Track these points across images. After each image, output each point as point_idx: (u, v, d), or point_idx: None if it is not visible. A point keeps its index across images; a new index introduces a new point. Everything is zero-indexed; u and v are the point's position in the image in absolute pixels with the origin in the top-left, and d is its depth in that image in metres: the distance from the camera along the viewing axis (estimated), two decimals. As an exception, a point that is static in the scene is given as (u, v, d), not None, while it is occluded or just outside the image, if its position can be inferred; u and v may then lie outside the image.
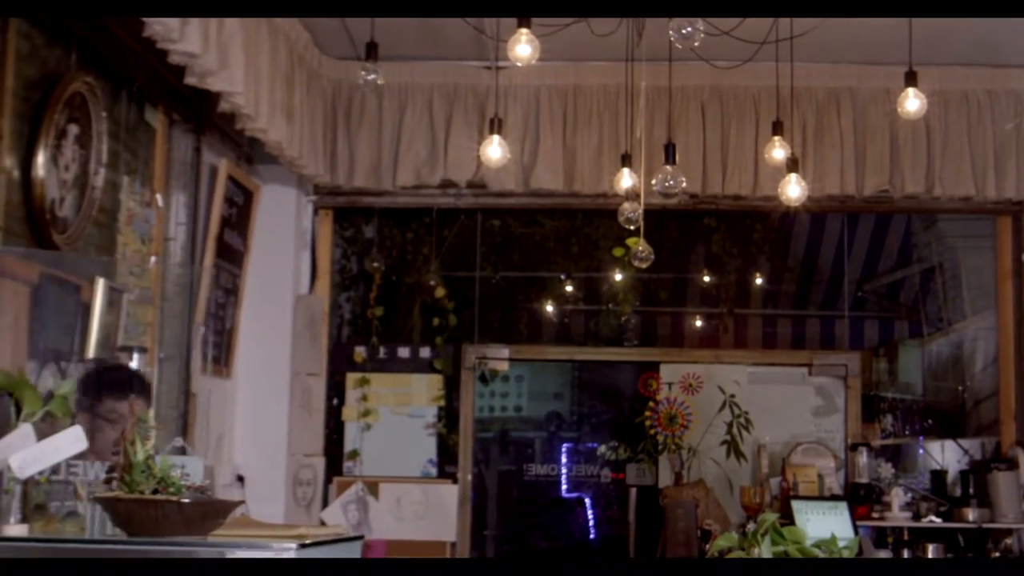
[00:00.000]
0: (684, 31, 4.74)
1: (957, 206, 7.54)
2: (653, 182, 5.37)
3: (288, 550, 2.82)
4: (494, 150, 5.43)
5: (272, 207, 7.23)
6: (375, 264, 8.18)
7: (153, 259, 5.77)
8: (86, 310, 4.81)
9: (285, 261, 7.45)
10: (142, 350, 4.91)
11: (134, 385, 4.29)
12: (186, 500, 2.89)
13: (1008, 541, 7.40)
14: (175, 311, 6.05)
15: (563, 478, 11.96)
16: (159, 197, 5.94)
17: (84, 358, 4.77)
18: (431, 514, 7.85)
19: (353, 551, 3.44)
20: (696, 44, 4.73)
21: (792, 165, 5.62)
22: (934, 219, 9.45)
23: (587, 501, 11.79)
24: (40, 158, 4.58)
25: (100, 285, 4.84)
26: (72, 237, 4.84)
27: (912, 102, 5.26)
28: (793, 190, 5.61)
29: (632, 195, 5.79)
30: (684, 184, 5.35)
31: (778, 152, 5.64)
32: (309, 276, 7.67)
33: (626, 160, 5.94)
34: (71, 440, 3.22)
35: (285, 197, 7.39)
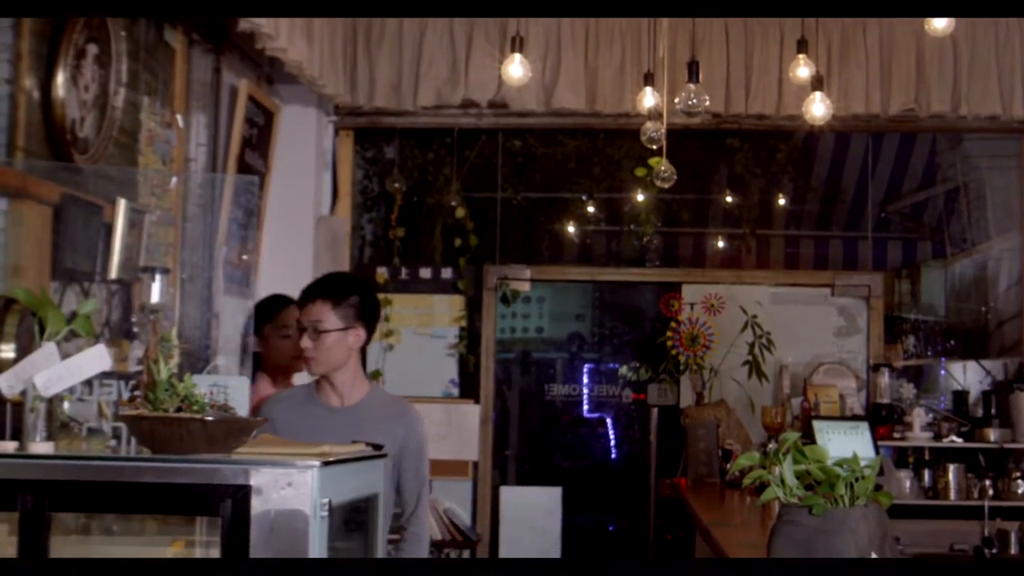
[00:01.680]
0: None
1: (983, 125, 7.46)
2: (676, 100, 5.32)
3: (311, 467, 2.83)
4: (515, 69, 5.39)
5: (292, 128, 7.20)
6: (396, 185, 8.16)
7: (174, 180, 5.76)
8: (108, 231, 4.81)
9: (306, 182, 7.44)
10: (164, 271, 4.90)
11: None
12: (210, 418, 2.90)
13: (1029, 461, 7.43)
14: (197, 232, 6.06)
15: (584, 399, 12.00)
16: (179, 118, 5.92)
17: (107, 278, 4.79)
18: (453, 434, 7.90)
19: (376, 469, 3.46)
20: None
21: (817, 83, 5.56)
22: (959, 138, 9.37)
23: (608, 421, 11.84)
24: (60, 78, 4.56)
25: (122, 206, 4.84)
26: (93, 158, 4.84)
27: (939, 19, 5.19)
28: (817, 109, 5.56)
29: (654, 114, 5.75)
30: (707, 102, 5.30)
31: (802, 70, 5.58)
32: (330, 197, 7.66)
33: (648, 79, 5.89)
34: (95, 359, 3.22)
35: (305, 118, 7.36)
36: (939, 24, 5.18)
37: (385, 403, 4.30)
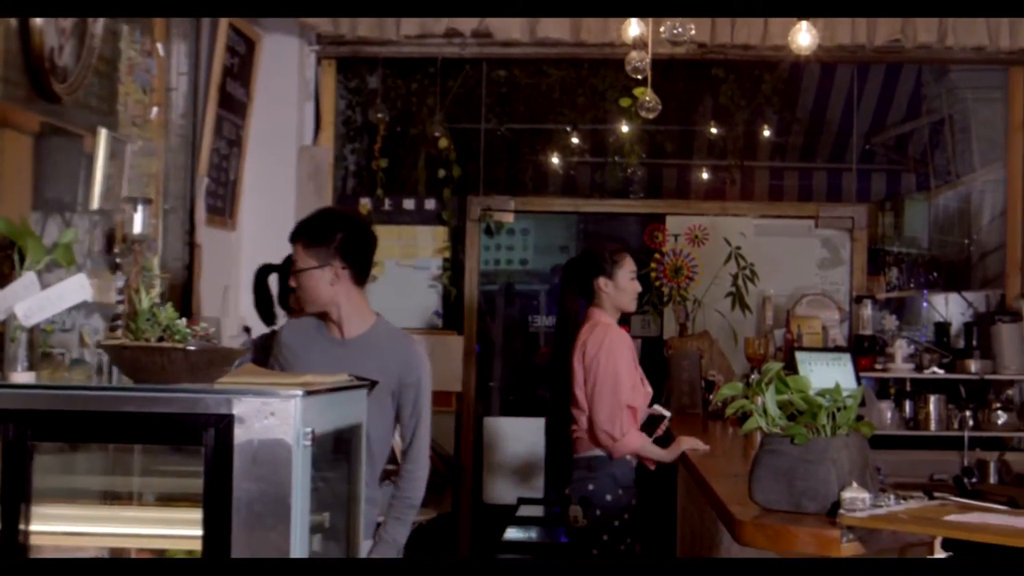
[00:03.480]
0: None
1: (969, 56, 7.42)
2: (661, 30, 5.28)
3: (294, 396, 2.83)
4: (499, -3, 5.33)
5: (274, 57, 7.14)
6: (379, 115, 8.10)
7: (155, 110, 5.71)
8: (89, 161, 4.78)
9: (288, 112, 7.39)
10: (147, 201, 4.88)
11: None
12: (191, 347, 2.89)
13: (1010, 392, 7.48)
14: (178, 162, 6.02)
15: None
16: (160, 46, 5.85)
17: (88, 209, 4.76)
18: (436, 365, 7.82)
19: (359, 399, 3.46)
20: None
21: (802, 13, 5.53)
22: (945, 70, 9.33)
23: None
24: (37, 5, 4.49)
25: (102, 135, 4.79)
26: (72, 87, 4.78)
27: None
28: (803, 39, 5.53)
29: (639, 44, 5.69)
30: (693, 32, 5.27)
31: (788, 0, 5.54)
32: (313, 127, 7.61)
33: (634, 8, 5.84)
34: (75, 288, 3.21)
35: (287, 47, 7.29)
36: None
37: (387, 337, 4.33)
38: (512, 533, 7.09)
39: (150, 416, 2.87)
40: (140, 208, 4.65)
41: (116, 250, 4.67)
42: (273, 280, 5.33)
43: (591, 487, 5.29)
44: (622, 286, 5.44)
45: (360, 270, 4.25)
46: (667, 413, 5.55)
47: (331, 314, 4.24)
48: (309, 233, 4.22)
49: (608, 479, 5.27)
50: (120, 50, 5.37)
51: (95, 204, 4.72)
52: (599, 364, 5.23)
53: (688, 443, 5.31)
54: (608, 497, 5.26)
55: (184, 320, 3.00)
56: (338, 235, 4.18)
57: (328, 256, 4.16)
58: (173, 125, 5.92)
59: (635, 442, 5.23)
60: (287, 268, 4.65)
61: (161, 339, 2.93)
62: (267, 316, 5.35)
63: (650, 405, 5.47)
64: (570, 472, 5.38)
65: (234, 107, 6.66)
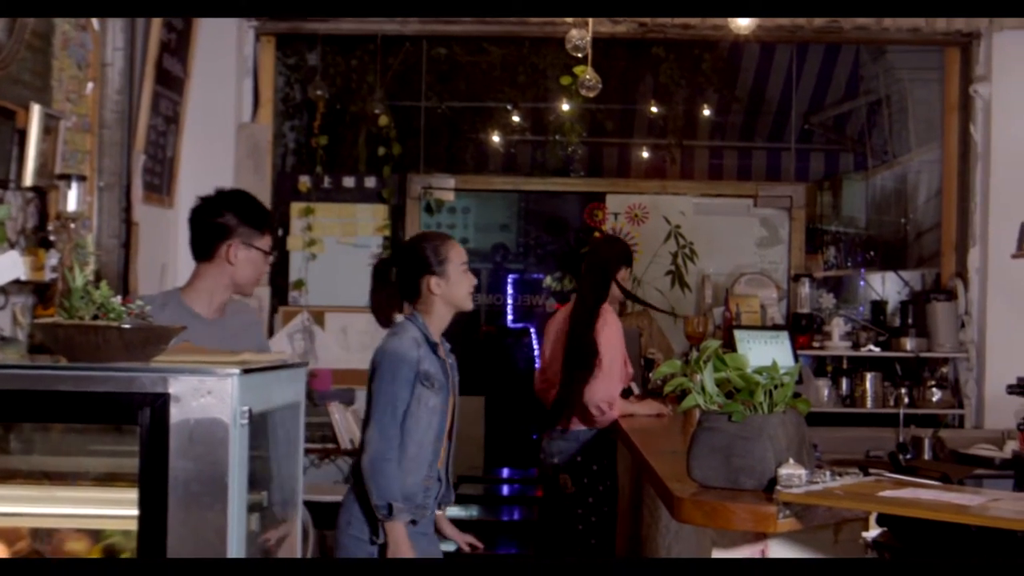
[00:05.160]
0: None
1: (906, 37, 7.48)
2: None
3: (231, 375, 2.81)
4: (439, -26, 5.29)
5: (212, 33, 7.05)
6: (319, 92, 8.05)
7: (90, 85, 5.63)
8: (22, 137, 4.70)
9: (227, 89, 7.32)
10: (81, 178, 4.82)
11: None
12: (127, 326, 2.86)
13: (944, 370, 7.56)
14: (114, 139, 5.94)
15: (509, 308, 12.05)
16: (95, 21, 5.77)
17: (21, 186, 4.69)
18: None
19: (298, 378, 3.44)
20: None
21: (742, -8, 5.54)
22: (883, 50, 9.41)
23: (532, 331, 11.90)
24: (-32, -23, 4.42)
25: (36, 111, 4.72)
26: (4, 61, 4.70)
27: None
28: (743, 19, 5.55)
29: (580, 22, 5.69)
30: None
31: (728, -21, 5.55)
32: (252, 104, 7.55)
33: (574, -14, 5.83)
34: (8, 265, 3.18)
35: (226, 23, 7.21)
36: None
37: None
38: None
39: (84, 395, 2.84)
40: (74, 185, 4.60)
41: (50, 227, 4.61)
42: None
43: (579, 458, 5.79)
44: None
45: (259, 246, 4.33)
46: (637, 390, 6.10)
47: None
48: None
49: (592, 450, 5.81)
50: (54, 24, 5.29)
51: (28, 181, 4.66)
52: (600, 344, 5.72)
53: (656, 406, 5.84)
54: (594, 467, 5.80)
55: (119, 298, 2.96)
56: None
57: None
58: (109, 101, 5.83)
59: (622, 410, 5.76)
60: (396, 260, 4.57)
61: (96, 317, 2.89)
62: (386, 318, 4.66)
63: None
64: (540, 447, 5.99)
65: (171, 83, 6.58)
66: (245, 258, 4.20)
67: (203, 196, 4.30)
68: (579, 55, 5.64)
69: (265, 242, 4.24)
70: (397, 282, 4.45)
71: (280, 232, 7.94)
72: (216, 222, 4.18)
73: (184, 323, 3.70)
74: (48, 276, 4.48)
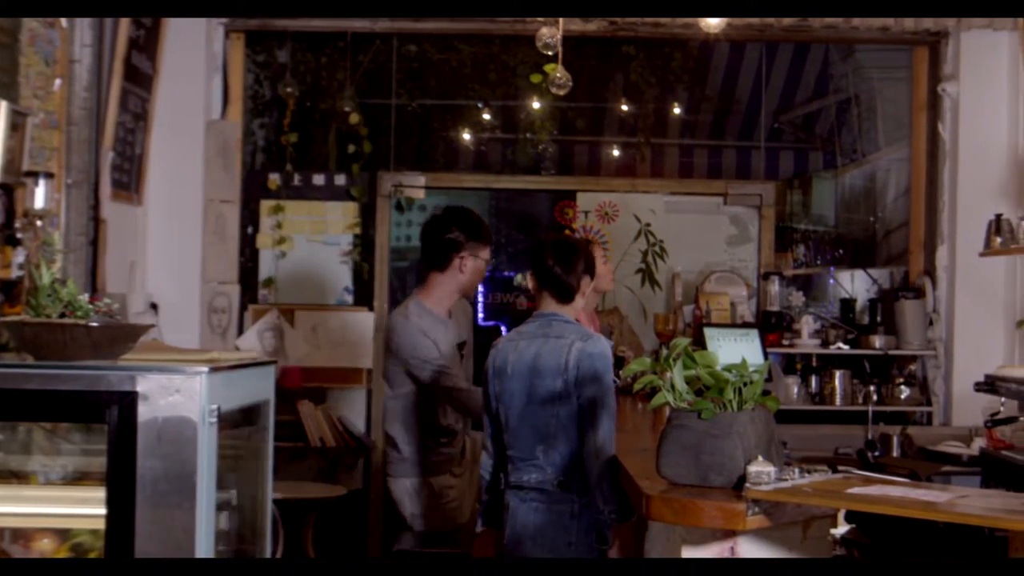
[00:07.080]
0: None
1: (875, 36, 7.51)
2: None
3: (200, 373, 2.80)
4: (409, -29, 5.28)
5: (181, 29, 7.01)
6: (288, 90, 8.02)
7: (58, 82, 5.59)
8: (-12, 133, 4.67)
9: (195, 86, 7.28)
10: (48, 175, 4.79)
11: None
12: (94, 324, 2.84)
13: (912, 367, 7.60)
14: (82, 136, 5.90)
15: (479, 306, 12.01)
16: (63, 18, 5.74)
17: (-12, 183, 4.66)
18: (347, 341, 7.87)
19: (267, 376, 3.43)
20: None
21: (712, -9, 5.55)
22: (852, 49, 9.44)
23: (503, 329, 11.88)
24: (-66, -27, 4.38)
25: (2, 107, 4.69)
26: (-29, 57, 4.68)
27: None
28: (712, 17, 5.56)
29: (550, 21, 5.69)
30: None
31: (698, -23, 5.56)
32: (221, 101, 7.52)
33: (544, -16, 5.82)
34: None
35: (195, 19, 7.18)
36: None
37: None
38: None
39: (52, 393, 2.82)
40: (42, 182, 4.58)
41: (17, 225, 4.57)
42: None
43: None
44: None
45: None
46: (617, 380, 5.98)
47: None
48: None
49: None
50: (21, 21, 5.25)
51: (-5, 178, 4.62)
52: None
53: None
54: None
55: (86, 296, 2.95)
56: None
57: None
58: (77, 98, 5.80)
59: None
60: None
61: (63, 315, 2.87)
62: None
63: None
64: None
65: (140, 80, 6.55)
66: (472, 267, 5.17)
67: (434, 213, 5.29)
68: (549, 53, 5.64)
69: (487, 253, 5.20)
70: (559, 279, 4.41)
71: (249, 230, 7.91)
72: (447, 238, 5.11)
73: (436, 327, 5.04)
74: (15, 274, 4.45)
